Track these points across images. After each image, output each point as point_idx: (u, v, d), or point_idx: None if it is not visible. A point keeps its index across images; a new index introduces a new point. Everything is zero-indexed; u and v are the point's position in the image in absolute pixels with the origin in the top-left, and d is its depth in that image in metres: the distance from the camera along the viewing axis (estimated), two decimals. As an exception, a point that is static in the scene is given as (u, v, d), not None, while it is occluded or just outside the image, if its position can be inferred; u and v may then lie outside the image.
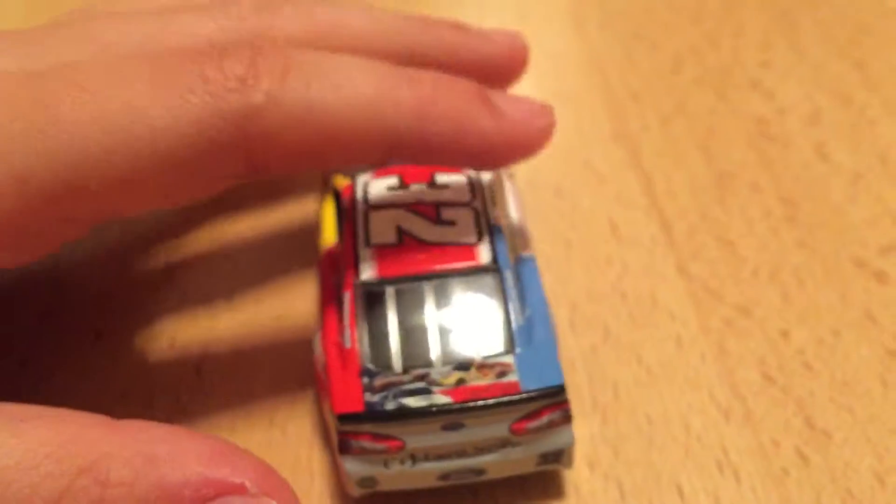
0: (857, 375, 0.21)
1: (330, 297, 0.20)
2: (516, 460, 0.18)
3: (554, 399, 0.18)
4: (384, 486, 0.18)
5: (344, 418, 0.17)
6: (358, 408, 0.17)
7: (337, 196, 0.23)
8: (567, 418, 0.18)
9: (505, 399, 0.17)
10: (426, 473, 0.18)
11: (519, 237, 0.22)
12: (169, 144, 0.17)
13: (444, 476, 0.18)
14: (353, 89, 0.18)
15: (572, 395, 0.21)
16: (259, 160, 0.18)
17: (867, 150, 0.28)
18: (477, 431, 0.17)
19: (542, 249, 0.25)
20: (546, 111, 0.20)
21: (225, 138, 0.17)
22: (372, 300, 0.19)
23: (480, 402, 0.17)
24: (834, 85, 0.31)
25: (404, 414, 0.17)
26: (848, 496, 0.19)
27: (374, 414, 0.17)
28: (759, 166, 0.27)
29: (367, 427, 0.17)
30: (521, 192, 0.27)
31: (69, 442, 0.14)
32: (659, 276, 0.24)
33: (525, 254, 0.21)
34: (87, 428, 0.15)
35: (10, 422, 0.15)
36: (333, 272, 0.21)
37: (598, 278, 0.24)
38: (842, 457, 0.20)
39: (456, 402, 0.17)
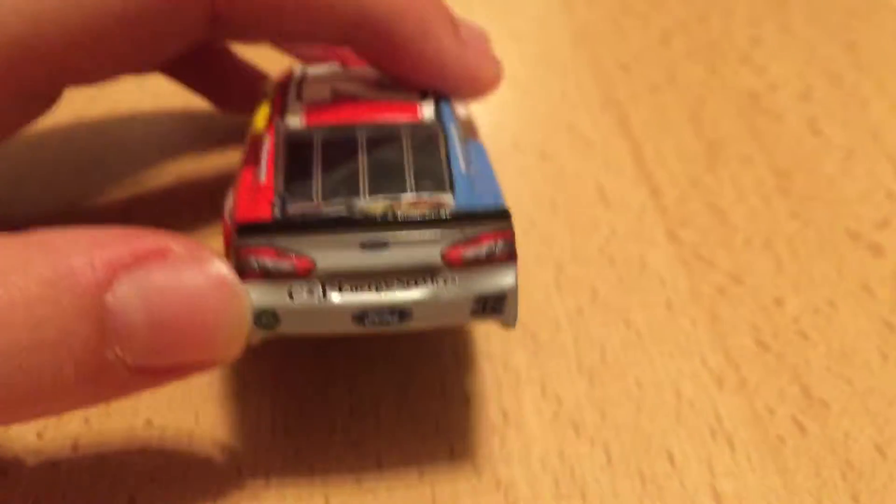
0: (854, 346, 0.20)
1: (248, 156, 0.18)
2: (448, 302, 0.15)
3: (496, 224, 0.15)
4: (287, 328, 0.15)
5: (244, 229, 0.15)
6: (263, 216, 0.15)
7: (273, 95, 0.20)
8: (510, 253, 0.15)
9: (439, 213, 0.15)
10: (338, 311, 0.15)
11: (468, 125, 0.19)
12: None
13: (360, 316, 0.15)
14: None
15: (556, 353, 0.20)
16: (222, 7, 0.17)
17: (859, 127, 0.27)
18: (403, 253, 0.15)
19: (527, 210, 0.24)
20: (498, 62, 0.20)
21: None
22: (295, 143, 0.17)
23: (407, 216, 0.15)
24: (825, 64, 0.30)
25: (317, 224, 0.15)
26: (847, 468, 0.17)
27: (280, 223, 0.15)
28: (751, 138, 0.26)
29: (270, 240, 0.15)
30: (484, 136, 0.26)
31: None
32: (648, 241, 0.23)
33: (474, 140, 0.19)
34: None
35: None
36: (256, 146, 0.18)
37: (584, 241, 0.23)
38: (840, 427, 0.18)
39: (380, 216, 0.15)
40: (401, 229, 0.15)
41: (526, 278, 0.21)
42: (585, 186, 0.25)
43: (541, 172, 0.25)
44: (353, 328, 0.15)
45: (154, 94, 0.27)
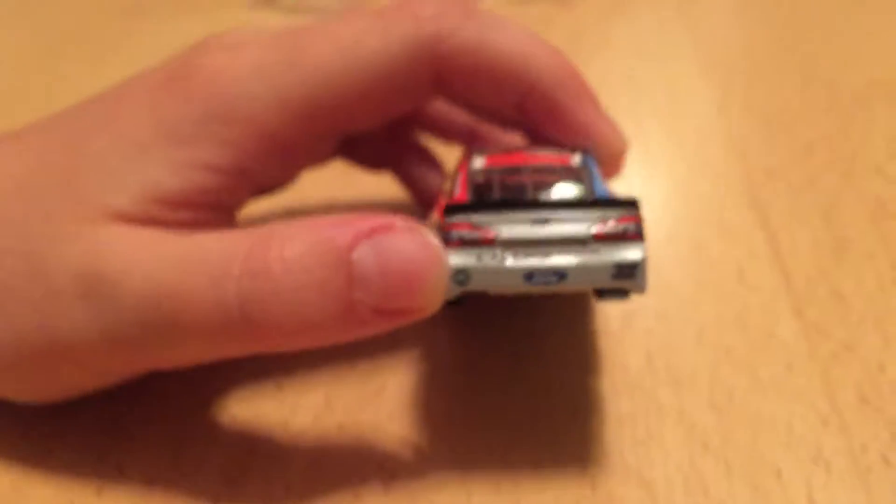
0: (944, 406, 0.24)
1: (443, 192, 0.24)
2: (594, 266, 0.20)
3: (629, 210, 0.20)
4: (475, 284, 0.20)
5: (449, 209, 0.20)
6: (464, 200, 0.21)
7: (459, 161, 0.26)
8: (640, 232, 0.20)
9: (587, 198, 0.21)
10: (513, 272, 0.20)
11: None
12: (383, 61, 0.24)
13: (529, 276, 0.20)
14: (516, 38, 0.25)
15: (693, 397, 0.25)
16: (443, 76, 0.25)
17: (978, 231, 0.31)
18: (563, 227, 0.20)
19: (676, 286, 0.30)
20: (626, 138, 0.26)
21: (420, 54, 0.24)
22: (481, 178, 0.22)
23: (566, 199, 0.20)
24: (953, 176, 0.34)
25: (500, 205, 0.20)
26: (924, 495, 0.22)
27: (474, 204, 0.20)
28: (876, 237, 0.31)
29: (467, 216, 0.20)
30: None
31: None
32: (777, 315, 0.28)
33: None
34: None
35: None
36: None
37: (724, 311, 0.28)
38: (923, 465, 0.23)
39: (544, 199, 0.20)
40: (560, 209, 0.20)
41: (672, 335, 0.27)
42: (727, 269, 0.30)
43: (691, 256, 0.31)
44: (523, 285, 0.20)
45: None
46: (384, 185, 0.35)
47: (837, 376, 0.26)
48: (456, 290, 0.20)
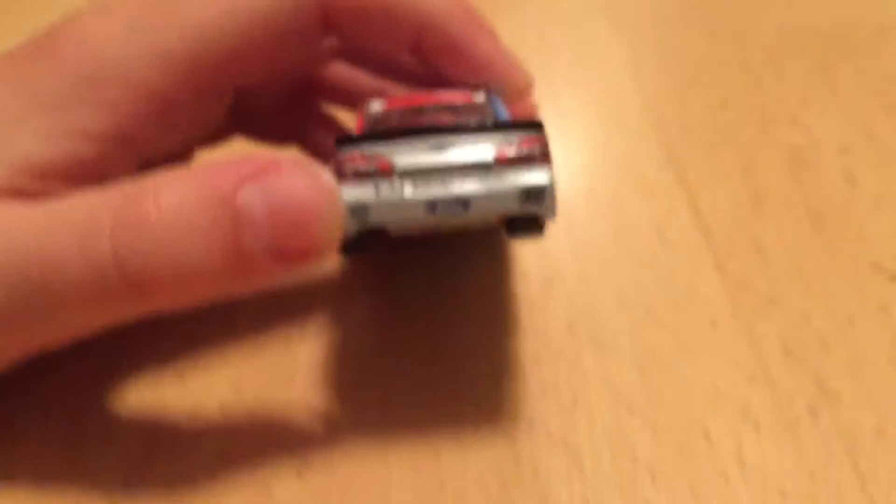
0: (866, 353, 0.24)
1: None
2: (499, 192, 0.19)
3: (533, 132, 0.19)
4: (374, 217, 0.19)
5: (340, 141, 0.19)
6: (357, 133, 0.19)
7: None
8: (546, 156, 0.19)
9: (488, 122, 0.19)
10: (414, 203, 0.19)
11: None
12: (265, 7, 0.22)
13: (432, 206, 0.19)
14: None
15: (617, 360, 0.24)
16: (332, 19, 0.23)
17: (890, 178, 0.31)
18: (463, 152, 0.19)
19: (596, 246, 0.28)
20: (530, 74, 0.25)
21: (307, 2, 0.22)
22: (379, 121, 0.21)
23: (465, 124, 0.19)
24: (865, 123, 0.34)
25: (395, 133, 0.19)
26: (852, 444, 0.21)
27: (366, 135, 0.19)
28: (793, 187, 0.31)
29: (360, 148, 0.19)
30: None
31: None
32: (698, 272, 0.27)
33: None
34: None
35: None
36: None
37: (644, 271, 0.27)
38: (848, 414, 0.22)
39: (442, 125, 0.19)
40: (461, 134, 0.19)
41: (593, 298, 0.26)
42: (646, 228, 0.29)
43: (607, 217, 0.30)
44: (426, 217, 0.19)
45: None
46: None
47: (761, 330, 0.25)
48: (354, 226, 0.19)
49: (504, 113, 0.22)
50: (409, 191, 0.19)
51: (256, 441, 0.22)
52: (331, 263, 0.28)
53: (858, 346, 0.24)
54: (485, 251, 0.28)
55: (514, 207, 0.19)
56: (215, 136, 0.28)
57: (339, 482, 0.21)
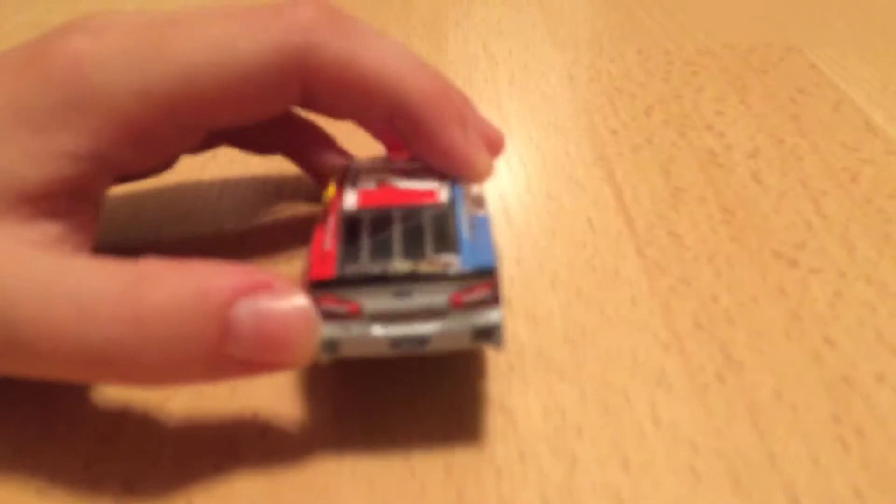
0: (767, 328, 0.26)
1: (320, 226, 0.23)
2: (454, 332, 0.20)
3: (485, 278, 0.20)
4: (345, 352, 0.20)
5: (315, 284, 0.20)
6: (329, 276, 0.20)
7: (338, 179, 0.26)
8: (496, 298, 0.20)
9: (446, 272, 0.20)
10: (380, 340, 0.20)
11: (477, 200, 0.25)
12: (251, 63, 0.22)
13: (395, 343, 0.20)
14: (385, 56, 0.23)
15: (549, 334, 0.26)
16: (310, 87, 0.23)
17: (792, 177, 0.33)
18: (422, 298, 0.20)
19: (532, 234, 0.30)
20: (491, 159, 0.25)
21: (289, 64, 0.22)
22: (351, 222, 0.22)
23: (425, 273, 0.20)
24: (772, 131, 0.36)
25: (363, 279, 0.20)
26: (752, 405, 0.23)
27: (339, 279, 0.20)
28: (707, 185, 0.33)
29: (333, 291, 0.20)
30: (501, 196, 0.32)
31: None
32: (621, 256, 0.29)
33: (479, 213, 0.24)
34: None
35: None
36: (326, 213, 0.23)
37: (575, 256, 0.29)
38: (750, 379, 0.24)
39: (406, 273, 0.20)
40: (420, 282, 0.20)
41: (529, 280, 0.27)
42: (578, 218, 0.31)
43: (545, 209, 0.32)
44: (390, 352, 0.20)
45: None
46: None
47: (676, 307, 0.27)
48: (327, 357, 0.20)
49: (462, 215, 0.22)
50: (375, 330, 0.20)
51: (220, 406, 0.23)
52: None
53: (760, 322, 0.26)
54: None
55: (467, 344, 0.20)
56: (199, 148, 0.28)
57: (298, 440, 0.22)
